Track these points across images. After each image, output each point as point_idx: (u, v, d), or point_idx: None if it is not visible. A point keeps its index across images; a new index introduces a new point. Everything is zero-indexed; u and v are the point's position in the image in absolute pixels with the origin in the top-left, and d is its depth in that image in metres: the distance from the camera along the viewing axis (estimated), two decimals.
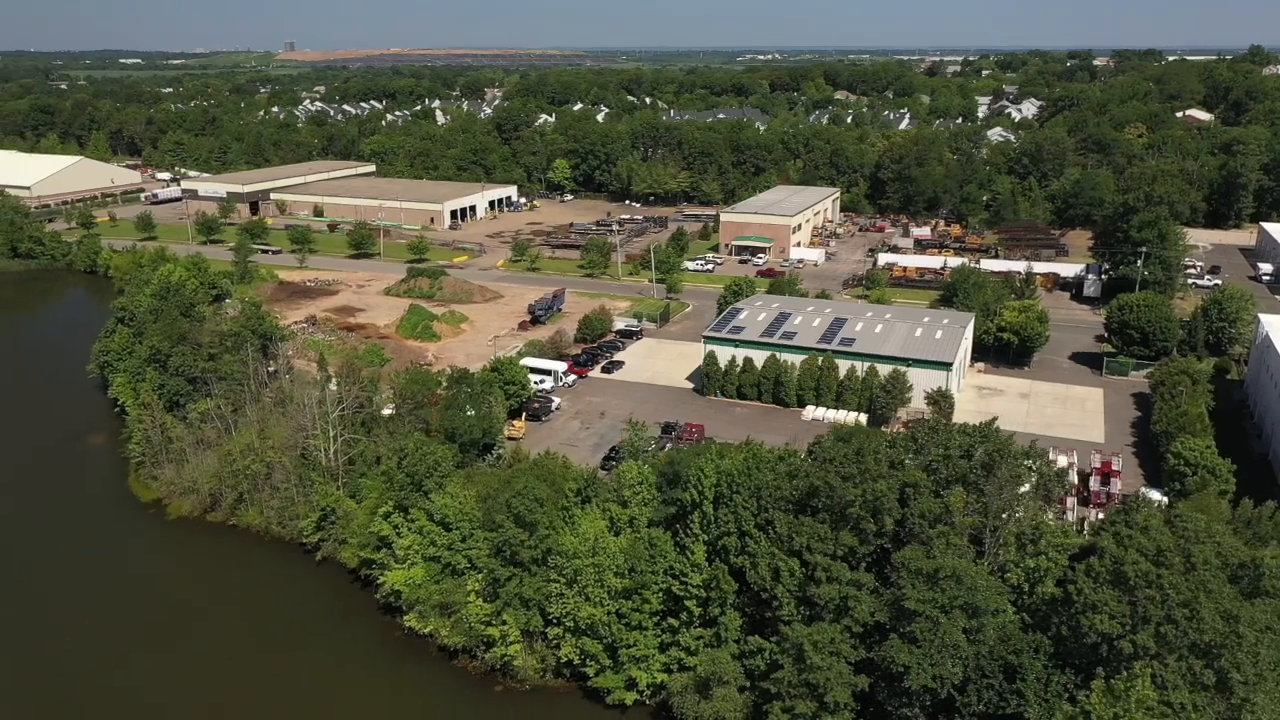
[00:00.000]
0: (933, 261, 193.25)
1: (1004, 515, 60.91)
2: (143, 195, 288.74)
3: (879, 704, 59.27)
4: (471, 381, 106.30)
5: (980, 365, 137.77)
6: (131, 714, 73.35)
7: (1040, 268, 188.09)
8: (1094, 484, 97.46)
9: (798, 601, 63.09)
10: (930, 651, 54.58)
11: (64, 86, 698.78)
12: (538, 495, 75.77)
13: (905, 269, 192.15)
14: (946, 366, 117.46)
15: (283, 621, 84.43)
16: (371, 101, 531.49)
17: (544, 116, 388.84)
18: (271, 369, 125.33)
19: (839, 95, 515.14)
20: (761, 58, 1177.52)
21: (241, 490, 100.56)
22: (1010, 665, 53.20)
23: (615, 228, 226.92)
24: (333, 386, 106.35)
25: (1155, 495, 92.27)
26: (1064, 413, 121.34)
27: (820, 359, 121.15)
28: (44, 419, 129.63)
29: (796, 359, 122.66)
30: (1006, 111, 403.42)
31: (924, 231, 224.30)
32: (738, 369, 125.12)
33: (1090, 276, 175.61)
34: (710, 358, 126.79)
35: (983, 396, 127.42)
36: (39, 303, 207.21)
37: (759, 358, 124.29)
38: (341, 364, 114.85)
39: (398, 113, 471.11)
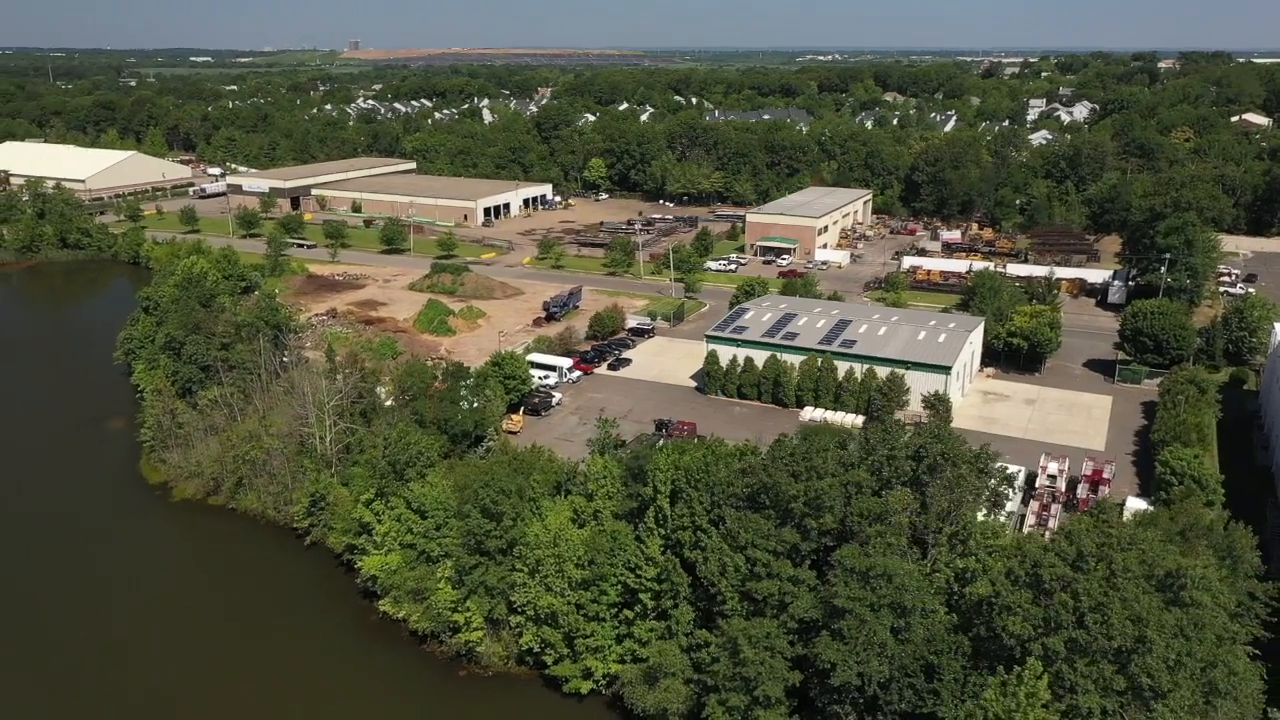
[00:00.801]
0: (957, 265, 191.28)
1: (945, 517, 60.96)
2: (191, 190, 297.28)
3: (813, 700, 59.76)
4: (466, 375, 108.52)
5: (989, 370, 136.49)
6: (112, 676, 76.85)
7: (1067, 273, 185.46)
8: (1081, 491, 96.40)
9: (741, 596, 63.87)
10: (856, 649, 55.00)
11: (132, 83, 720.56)
12: (504, 487, 77.41)
13: (929, 272, 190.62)
14: (945, 370, 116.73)
15: (266, 601, 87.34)
16: (422, 100, 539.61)
17: (587, 116, 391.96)
18: (285, 359, 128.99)
19: (887, 97, 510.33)
20: (821, 58, 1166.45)
21: (241, 475, 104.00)
22: (931, 665, 53.42)
23: (638, 227, 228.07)
24: (340, 378, 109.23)
25: (1141, 504, 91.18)
26: (1068, 419, 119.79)
27: (820, 360, 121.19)
28: (70, 403, 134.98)
29: (796, 360, 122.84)
30: (1056, 114, 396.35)
31: (954, 235, 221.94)
32: (739, 369, 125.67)
33: (1116, 283, 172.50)
34: (712, 357, 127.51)
35: (987, 401, 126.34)
36: (83, 291, 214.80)
37: (760, 358, 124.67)
38: (345, 355, 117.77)
39: (445, 111, 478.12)
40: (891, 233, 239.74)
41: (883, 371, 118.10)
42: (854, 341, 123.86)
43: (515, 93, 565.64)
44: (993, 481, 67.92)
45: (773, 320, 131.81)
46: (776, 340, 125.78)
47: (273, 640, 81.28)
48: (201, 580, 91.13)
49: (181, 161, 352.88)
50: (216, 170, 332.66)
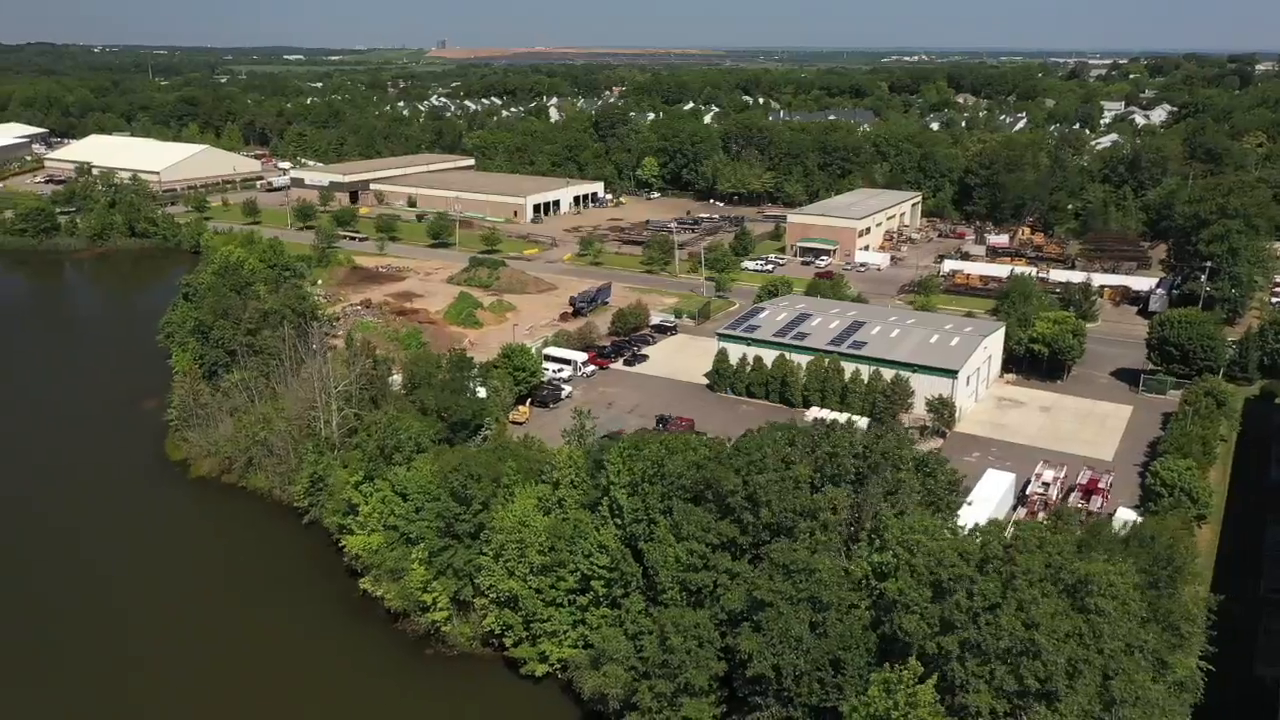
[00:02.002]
0: (998, 270, 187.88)
1: (875, 515, 61.03)
2: (258, 183, 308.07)
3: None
4: (470, 366, 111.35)
5: (1010, 376, 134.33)
6: (102, 633, 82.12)
7: (1110, 280, 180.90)
8: (1073, 500, 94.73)
9: (680, 587, 64.94)
10: (772, 640, 55.65)
11: (224, 80, 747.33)
12: (474, 472, 79.72)
13: (968, 276, 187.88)
14: (951, 374, 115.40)
15: (259, 574, 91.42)
16: (492, 98, 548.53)
17: (650, 115, 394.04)
18: (313, 346, 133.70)
19: (960, 99, 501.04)
20: (907, 59, 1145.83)
21: (251, 455, 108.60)
22: (839, 659, 53.74)
23: (675, 226, 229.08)
24: (348, 365, 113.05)
25: (1131, 515, 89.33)
26: (1080, 428, 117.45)
27: (827, 361, 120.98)
28: (112, 383, 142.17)
29: (804, 360, 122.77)
30: (1131, 117, 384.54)
31: (1002, 239, 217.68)
32: (748, 367, 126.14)
33: (1159, 291, 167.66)
34: (721, 355, 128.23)
35: (1000, 407, 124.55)
36: (147, 277, 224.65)
37: (769, 357, 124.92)
38: (359, 343, 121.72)
39: (513, 109, 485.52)
40: (940, 235, 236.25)
41: (890, 374, 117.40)
42: (864, 343, 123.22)
43: (584, 92, 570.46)
44: (933, 484, 67.54)
45: (786, 320, 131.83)
46: (786, 340, 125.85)
47: (258, 611, 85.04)
48: (202, 551, 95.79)
49: (255, 156, 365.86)
50: (286, 164, 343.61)
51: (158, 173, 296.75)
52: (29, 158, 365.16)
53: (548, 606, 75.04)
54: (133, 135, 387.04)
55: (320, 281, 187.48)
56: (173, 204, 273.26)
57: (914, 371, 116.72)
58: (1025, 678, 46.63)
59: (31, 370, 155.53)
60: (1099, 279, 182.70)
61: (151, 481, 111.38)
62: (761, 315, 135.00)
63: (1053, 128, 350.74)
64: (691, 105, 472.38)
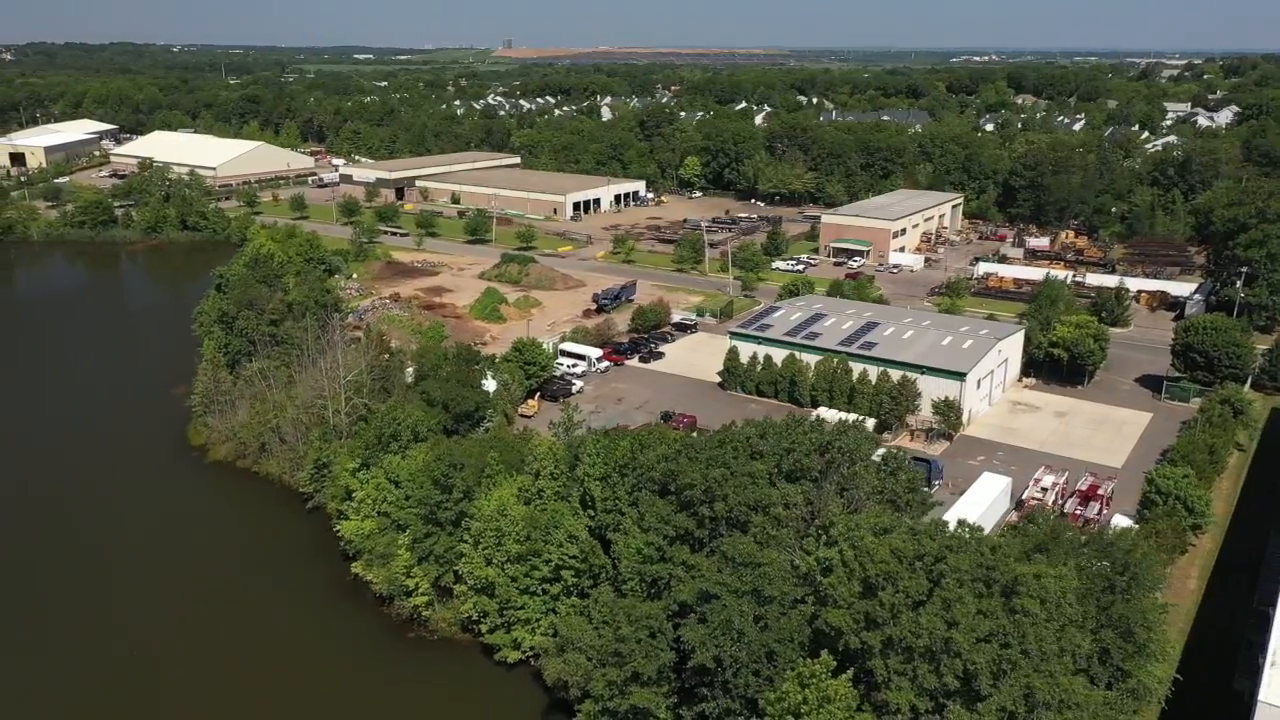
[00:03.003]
0: (1034, 273, 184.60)
1: (824, 511, 61.03)
2: (310, 179, 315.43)
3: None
4: (476, 359, 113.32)
5: (1029, 380, 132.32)
6: (98, 601, 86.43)
7: (1147, 285, 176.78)
8: (1070, 505, 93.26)
9: (640, 578, 65.71)
10: (715, 632, 56.14)
11: (292, 79, 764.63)
12: (456, 461, 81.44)
13: (1001, 279, 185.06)
14: (959, 377, 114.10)
15: (257, 556, 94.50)
16: (546, 97, 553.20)
17: (699, 114, 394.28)
18: (334, 337, 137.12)
19: (1020, 99, 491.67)
20: (977, 59, 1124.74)
21: (264, 441, 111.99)
22: (773, 652, 53.97)
23: (705, 225, 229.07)
24: (357, 355, 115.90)
25: (1126, 521, 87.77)
26: (1093, 434, 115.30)
27: (835, 361, 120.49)
28: (148, 368, 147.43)
29: (814, 359, 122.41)
30: (1194, 119, 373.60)
31: (1042, 242, 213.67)
32: (759, 366, 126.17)
33: (1196, 297, 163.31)
34: (733, 353, 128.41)
35: (1014, 411, 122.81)
36: (197, 268, 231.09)
37: (779, 356, 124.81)
38: (374, 335, 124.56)
39: (567, 108, 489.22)
40: (980, 238, 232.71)
41: (897, 375, 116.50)
42: (875, 344, 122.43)
43: (638, 91, 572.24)
44: (893, 482, 67.17)
45: (800, 320, 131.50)
46: (797, 340, 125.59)
47: (252, 589, 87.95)
48: (207, 531, 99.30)
49: (311, 153, 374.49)
50: (339, 161, 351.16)
51: (214, 168, 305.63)
52: (97, 153, 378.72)
53: (522, 594, 76.38)
54: (196, 132, 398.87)
55: (355, 275, 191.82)
56: (226, 199, 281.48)
57: (921, 373, 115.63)
58: (945, 675, 46.51)
59: (78, 354, 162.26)
60: (1137, 284, 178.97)
61: (170, 463, 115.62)
62: (776, 315, 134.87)
63: (1109, 130, 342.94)
64: (744, 105, 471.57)
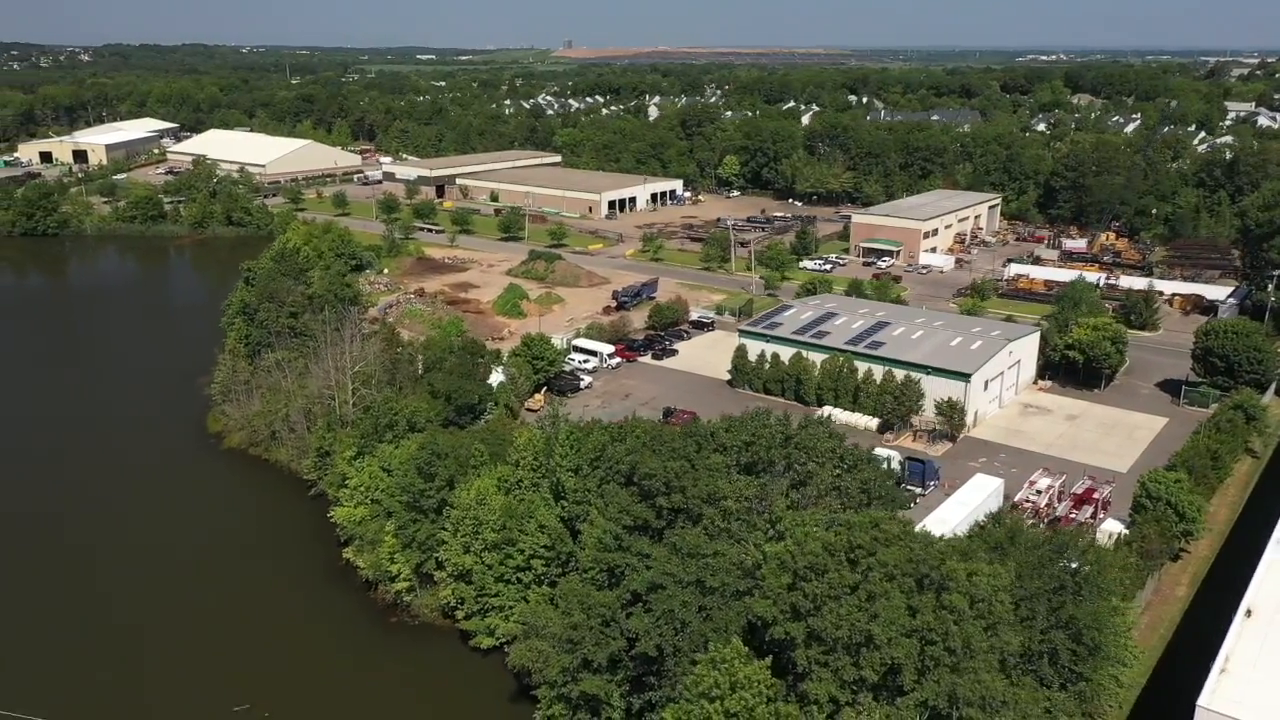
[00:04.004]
0: (1066, 275, 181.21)
1: (772, 505, 61.20)
2: (356, 177, 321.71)
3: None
4: (481, 352, 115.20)
5: (1044, 383, 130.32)
6: (100, 573, 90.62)
7: (1182, 288, 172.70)
8: (1061, 509, 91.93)
9: (600, 567, 66.54)
10: (658, 621, 56.77)
11: (354, 78, 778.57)
12: (439, 450, 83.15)
13: (1032, 281, 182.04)
14: (964, 378, 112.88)
15: (256, 538, 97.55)
16: (596, 96, 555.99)
17: (744, 114, 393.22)
18: (354, 330, 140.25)
19: (1076, 99, 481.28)
20: (1044, 58, 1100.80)
21: (275, 430, 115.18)
22: (708, 640, 54.37)
23: (732, 224, 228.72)
24: (364, 346, 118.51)
25: (1117, 526, 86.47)
26: (1102, 439, 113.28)
27: (841, 360, 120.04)
28: (178, 357, 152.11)
29: (820, 358, 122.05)
30: (1255, 119, 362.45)
31: (1079, 244, 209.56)
32: (766, 364, 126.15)
33: (1230, 301, 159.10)
34: (740, 351, 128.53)
35: (1024, 414, 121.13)
36: (240, 262, 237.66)
37: (787, 354, 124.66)
38: (386, 328, 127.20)
39: (614, 107, 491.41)
40: (1018, 239, 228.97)
41: (903, 375, 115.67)
42: (882, 344, 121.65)
43: (687, 90, 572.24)
44: (852, 479, 66.94)
45: (810, 319, 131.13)
46: (805, 338, 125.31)
47: (246, 570, 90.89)
48: (213, 513, 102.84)
49: (361, 151, 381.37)
50: (386, 159, 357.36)
51: (264, 165, 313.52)
52: (156, 151, 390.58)
53: (497, 582, 77.74)
54: (251, 130, 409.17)
55: (386, 270, 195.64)
56: (274, 195, 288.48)
57: (926, 373, 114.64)
58: (864, 669, 46.60)
59: (117, 341, 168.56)
60: (1171, 286, 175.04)
61: (186, 448, 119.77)
62: (787, 313, 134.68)
63: (1165, 129, 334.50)
64: (791, 104, 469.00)
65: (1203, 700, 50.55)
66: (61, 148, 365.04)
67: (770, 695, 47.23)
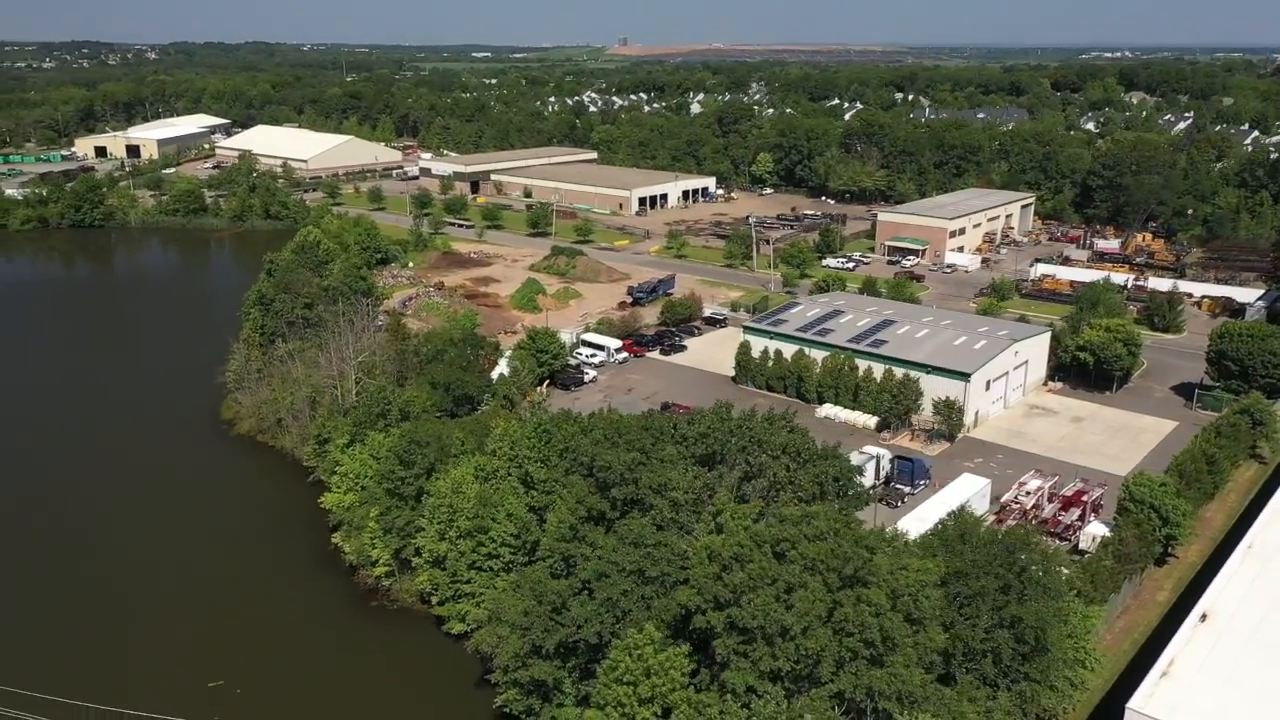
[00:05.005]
0: (1093, 276, 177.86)
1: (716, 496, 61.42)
2: (394, 173, 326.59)
3: None
4: (481, 345, 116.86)
5: (1054, 385, 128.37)
6: (94, 550, 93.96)
7: (1213, 290, 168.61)
8: (1048, 511, 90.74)
9: (557, 556, 67.46)
10: (599, 608, 57.43)
11: (408, 75, 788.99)
12: (418, 438, 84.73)
13: (1057, 281, 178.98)
14: (963, 377, 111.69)
15: (251, 520, 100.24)
16: (640, 94, 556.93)
17: (785, 111, 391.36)
18: (370, 322, 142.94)
19: (1129, 97, 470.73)
20: (1109, 55, 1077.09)
21: (280, 417, 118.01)
22: (643, 629, 54.92)
23: (753, 221, 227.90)
24: (368, 337, 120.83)
25: (1103, 529, 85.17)
26: (1106, 442, 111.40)
27: (842, 358, 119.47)
28: (199, 348, 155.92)
29: (822, 355, 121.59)
30: None
31: (1111, 244, 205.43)
32: (769, 361, 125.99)
33: (1259, 304, 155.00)
34: (744, 347, 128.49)
35: (1029, 415, 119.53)
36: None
37: (789, 351, 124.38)
38: (391, 320, 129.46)
39: (656, 104, 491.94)
40: (1051, 239, 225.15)
41: (901, 374, 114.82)
42: (884, 342, 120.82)
43: (731, 88, 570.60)
44: (806, 473, 66.83)
45: (815, 316, 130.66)
46: (808, 336, 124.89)
47: (238, 550, 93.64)
48: (213, 494, 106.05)
49: (403, 147, 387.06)
50: (427, 155, 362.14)
51: (306, 160, 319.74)
52: (206, 146, 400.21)
53: (470, 569, 79.01)
54: (299, 126, 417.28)
55: (412, 264, 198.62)
56: (314, 190, 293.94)
57: (926, 372, 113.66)
58: (779, 659, 46.80)
59: (144, 330, 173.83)
60: (1201, 289, 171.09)
61: (198, 433, 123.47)
62: (793, 311, 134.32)
63: (1216, 128, 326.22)
64: (835, 101, 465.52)
65: (1133, 703, 49.93)
66: (115, 142, 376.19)
67: (685, 683, 47.69)
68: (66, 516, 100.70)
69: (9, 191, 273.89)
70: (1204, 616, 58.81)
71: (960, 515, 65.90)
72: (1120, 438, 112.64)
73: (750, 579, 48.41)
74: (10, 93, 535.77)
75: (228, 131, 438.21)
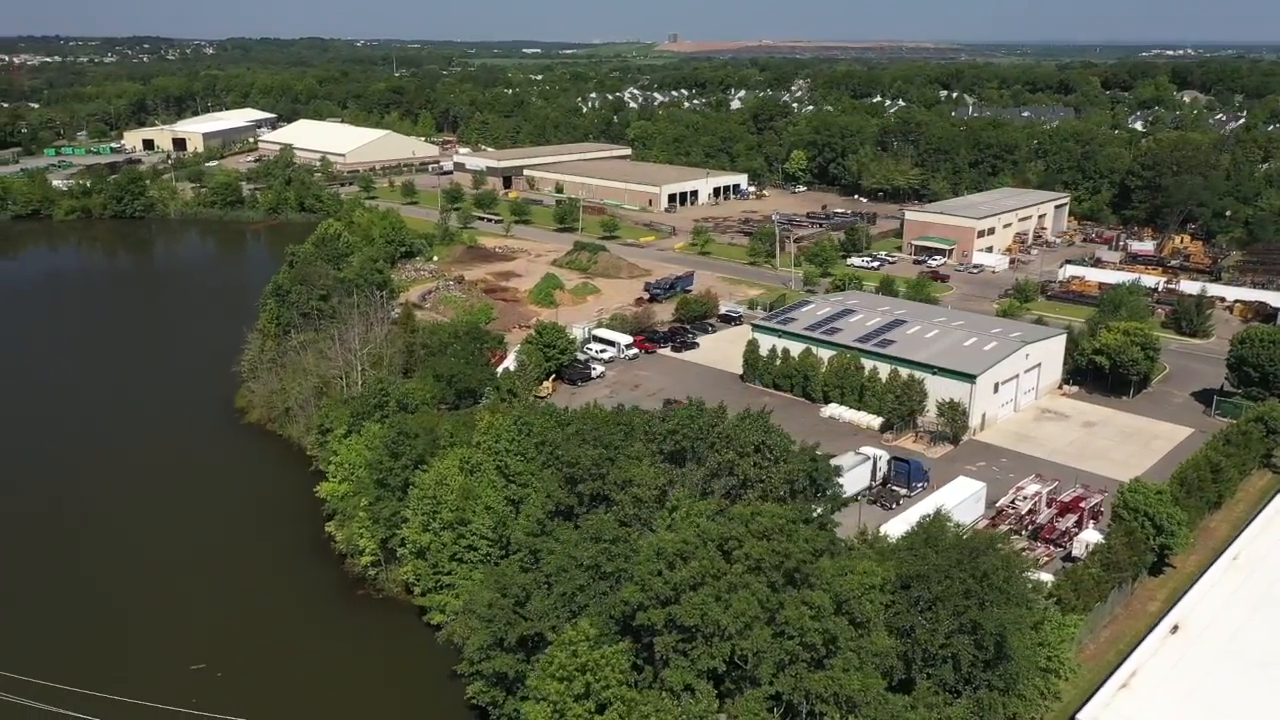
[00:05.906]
0: (1123, 278, 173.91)
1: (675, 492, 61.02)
2: (430, 166, 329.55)
3: None
4: (484, 338, 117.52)
5: (1069, 389, 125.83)
6: (90, 535, 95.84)
7: (1247, 295, 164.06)
8: (1044, 516, 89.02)
9: (527, 550, 67.66)
10: (555, 602, 57.46)
11: (456, 70, 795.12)
12: (406, 430, 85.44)
13: (1085, 283, 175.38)
14: (969, 379, 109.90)
15: (250, 506, 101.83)
16: (681, 90, 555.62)
17: (825, 109, 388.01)
18: (384, 314, 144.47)
19: (1181, 95, 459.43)
20: (1170, 53, 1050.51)
21: (289, 407, 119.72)
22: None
23: (776, 219, 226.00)
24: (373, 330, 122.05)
25: (1096, 536, 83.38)
26: (1116, 447, 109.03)
27: (848, 357, 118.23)
28: (217, 339, 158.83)
29: (828, 354, 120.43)
30: None
31: (1146, 246, 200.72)
32: (777, 360, 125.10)
33: None
34: (752, 345, 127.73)
35: (1039, 419, 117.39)
36: None
37: (797, 350, 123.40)
38: (402, 312, 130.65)
39: (697, 101, 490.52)
40: (1085, 240, 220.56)
41: (906, 374, 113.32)
42: (892, 342, 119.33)
43: (774, 85, 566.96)
44: (776, 472, 66.05)
45: (825, 315, 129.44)
46: (816, 335, 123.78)
47: (234, 535, 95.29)
48: (216, 479, 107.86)
49: (443, 142, 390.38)
50: (465, 150, 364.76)
51: (344, 154, 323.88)
52: (250, 139, 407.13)
53: (451, 560, 79.48)
54: (342, 121, 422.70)
55: (436, 258, 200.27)
56: (350, 183, 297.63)
57: (931, 373, 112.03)
58: (715, 659, 46.41)
59: (171, 319, 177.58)
60: (1235, 293, 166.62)
61: (211, 420, 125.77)
62: (803, 309, 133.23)
63: (1270, 128, 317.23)
64: (878, 99, 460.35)
65: (1082, 715, 48.70)
66: (162, 135, 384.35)
67: (622, 680, 47.53)
68: (68, 500, 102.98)
69: (56, 183, 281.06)
70: (1175, 628, 57.25)
71: (934, 518, 64.76)
72: (1130, 444, 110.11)
73: (692, 576, 48.10)
74: (69, 86, 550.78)
75: (273, 126, 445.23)
